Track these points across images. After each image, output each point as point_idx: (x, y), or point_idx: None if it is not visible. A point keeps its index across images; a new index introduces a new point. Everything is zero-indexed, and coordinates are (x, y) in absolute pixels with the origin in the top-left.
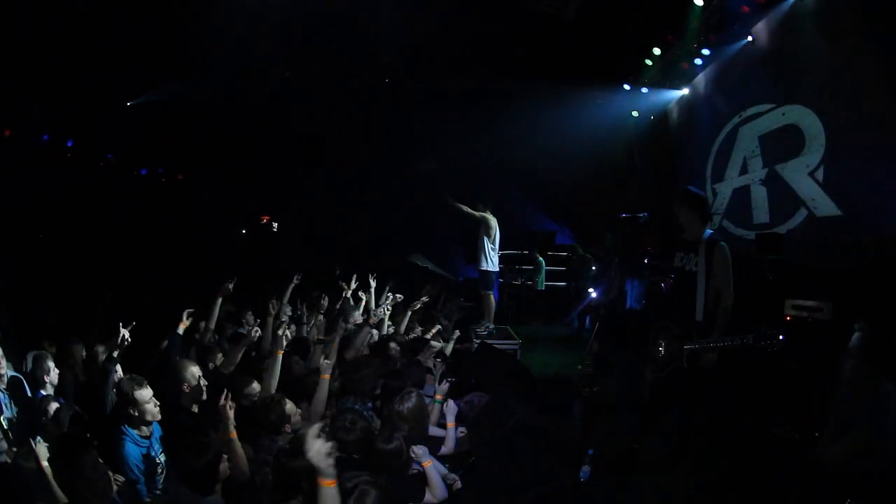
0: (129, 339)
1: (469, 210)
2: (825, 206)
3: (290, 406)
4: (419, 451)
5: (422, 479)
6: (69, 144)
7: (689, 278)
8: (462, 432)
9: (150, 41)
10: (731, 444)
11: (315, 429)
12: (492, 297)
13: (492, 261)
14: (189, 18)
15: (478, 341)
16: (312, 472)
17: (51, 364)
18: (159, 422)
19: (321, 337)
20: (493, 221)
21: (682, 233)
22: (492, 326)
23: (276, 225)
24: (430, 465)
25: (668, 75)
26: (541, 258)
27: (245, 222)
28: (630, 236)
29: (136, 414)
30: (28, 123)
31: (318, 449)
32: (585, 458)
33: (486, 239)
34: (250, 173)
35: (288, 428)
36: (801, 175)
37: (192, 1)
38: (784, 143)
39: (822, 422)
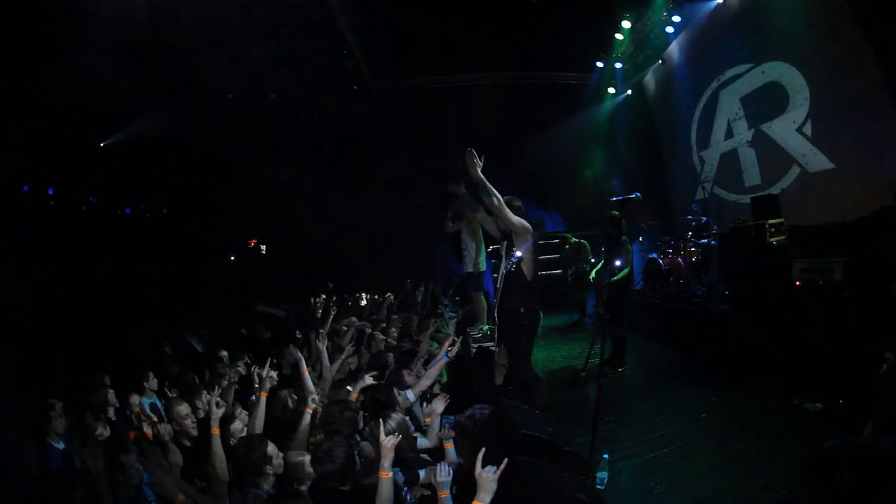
0: None
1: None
2: (817, 161)
3: (271, 447)
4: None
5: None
6: (50, 192)
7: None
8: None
9: (114, 80)
10: (754, 418)
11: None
12: (482, 297)
13: (479, 261)
14: (147, 52)
15: (475, 346)
16: None
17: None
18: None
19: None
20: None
21: None
22: (486, 328)
23: (264, 248)
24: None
25: (641, 48)
26: None
27: (233, 248)
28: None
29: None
30: (6, 176)
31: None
32: (601, 463)
33: (470, 239)
34: (232, 198)
35: (269, 470)
36: (789, 132)
37: (143, 33)
38: (767, 102)
39: (843, 390)
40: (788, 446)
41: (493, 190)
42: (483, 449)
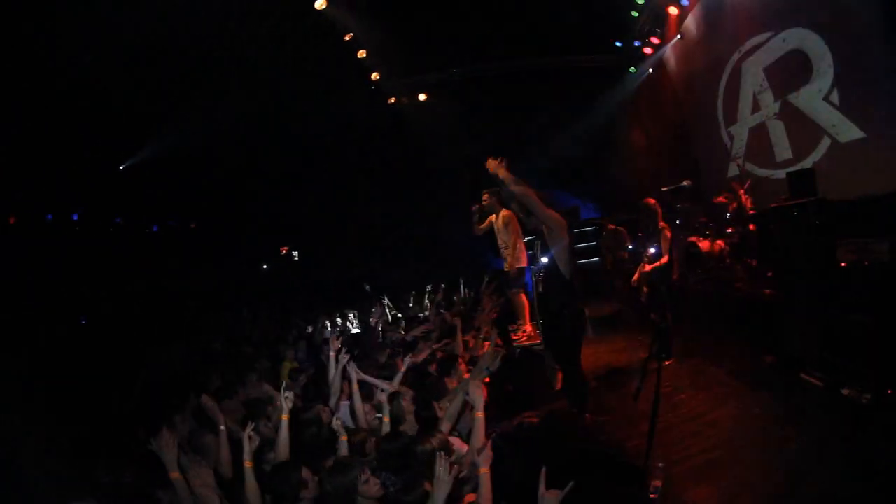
0: None
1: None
2: (848, 131)
3: (305, 472)
4: None
5: None
6: (75, 218)
7: None
8: None
9: (127, 101)
10: (805, 412)
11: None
12: (521, 295)
13: (518, 258)
14: (157, 66)
15: (518, 348)
16: None
17: None
18: None
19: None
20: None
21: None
22: (528, 328)
23: (296, 254)
24: None
25: (657, 23)
26: None
27: (265, 256)
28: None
29: None
30: (29, 206)
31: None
32: (655, 471)
33: (507, 236)
34: (259, 207)
35: (308, 494)
36: (816, 101)
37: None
38: (791, 71)
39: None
40: (843, 443)
41: (526, 188)
42: (544, 469)
